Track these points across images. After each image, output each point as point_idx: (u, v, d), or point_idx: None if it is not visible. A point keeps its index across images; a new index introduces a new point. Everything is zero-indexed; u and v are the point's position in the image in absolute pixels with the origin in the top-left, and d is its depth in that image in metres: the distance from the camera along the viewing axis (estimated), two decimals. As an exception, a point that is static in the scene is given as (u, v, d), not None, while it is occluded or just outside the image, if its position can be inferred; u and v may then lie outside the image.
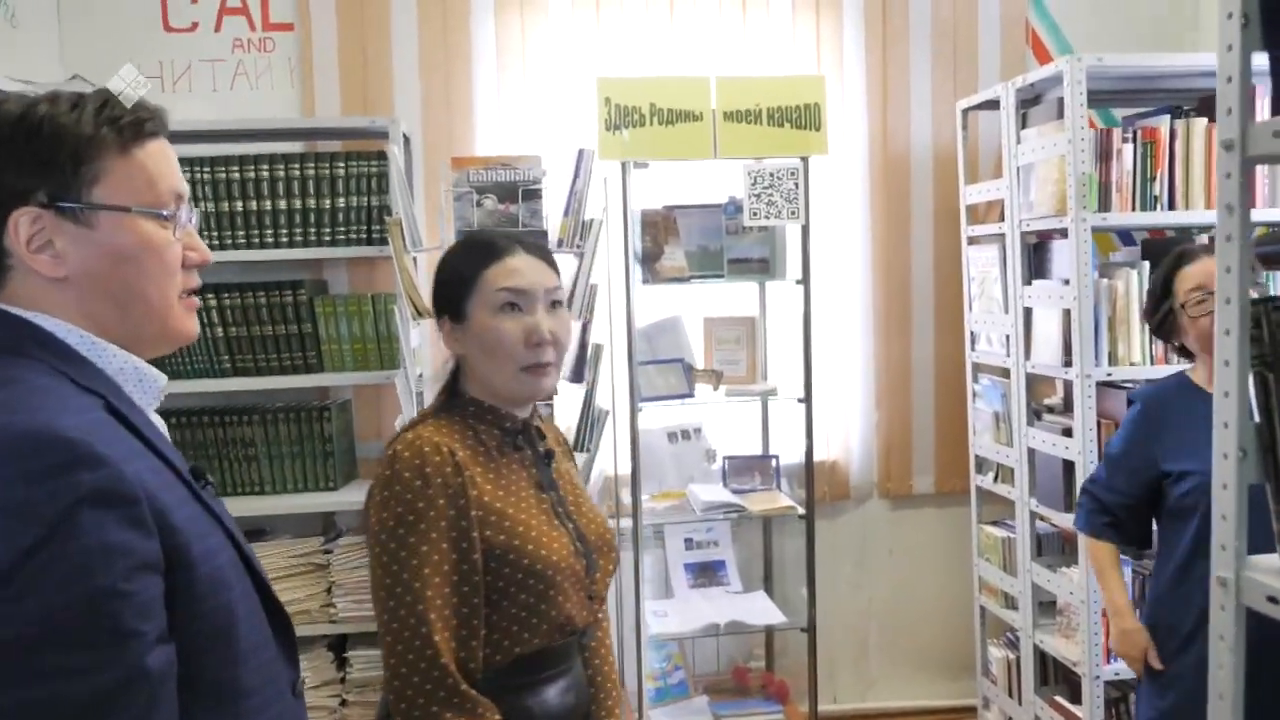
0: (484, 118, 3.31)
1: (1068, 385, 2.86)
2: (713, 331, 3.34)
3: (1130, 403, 2.24)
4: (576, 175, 2.80)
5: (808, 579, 3.11)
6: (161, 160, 1.02)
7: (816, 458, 3.50)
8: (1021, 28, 3.58)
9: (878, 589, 3.67)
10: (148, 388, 1.02)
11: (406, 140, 3.14)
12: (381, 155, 2.98)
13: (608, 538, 1.55)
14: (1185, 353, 2.17)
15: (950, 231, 3.52)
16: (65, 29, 3.20)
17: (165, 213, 1.01)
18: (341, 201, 3.02)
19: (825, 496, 3.49)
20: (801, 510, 3.09)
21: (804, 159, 2.92)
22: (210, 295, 2.94)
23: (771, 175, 2.89)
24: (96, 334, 0.99)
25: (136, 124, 0.99)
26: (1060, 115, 2.58)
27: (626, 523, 3.28)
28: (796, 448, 3.45)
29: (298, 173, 3.00)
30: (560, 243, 2.78)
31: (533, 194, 2.68)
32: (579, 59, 3.24)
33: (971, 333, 3.16)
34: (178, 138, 1.08)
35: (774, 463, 3.32)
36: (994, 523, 3.20)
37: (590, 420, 2.85)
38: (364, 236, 3.01)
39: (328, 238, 3.02)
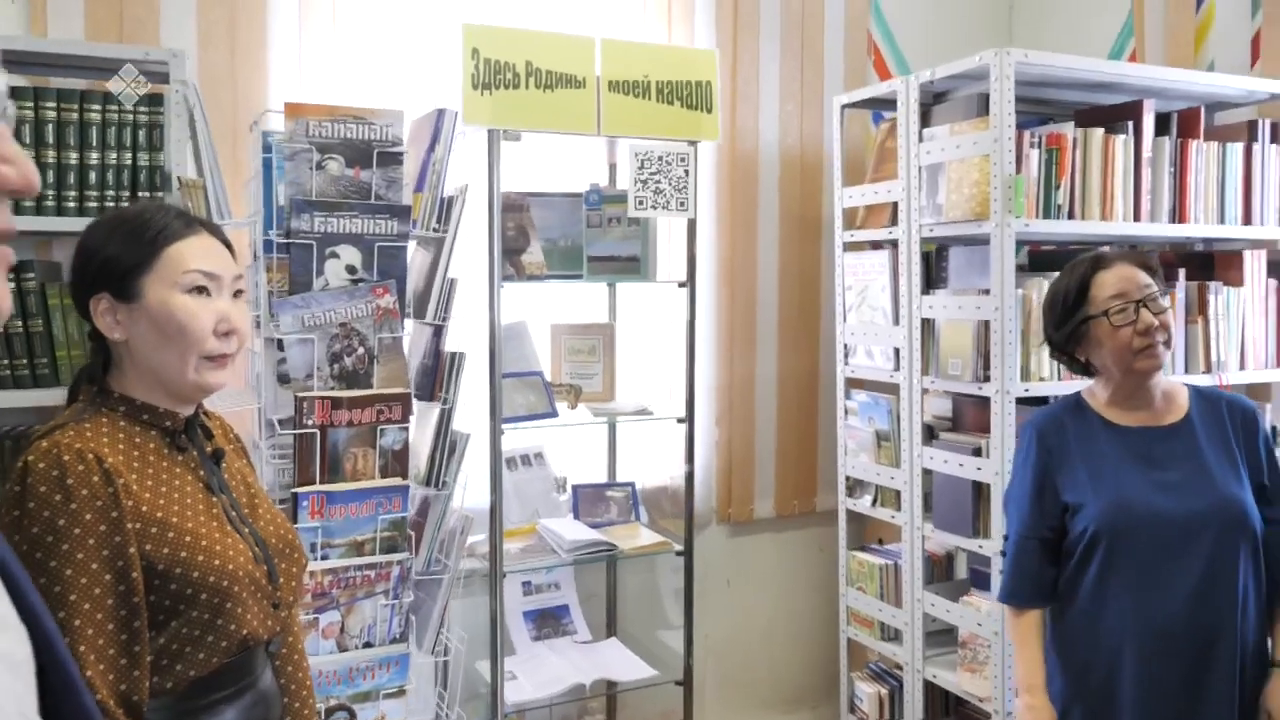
0: (280, 60, 2.64)
1: (957, 402, 2.71)
2: (562, 340, 2.88)
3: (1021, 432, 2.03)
4: (435, 141, 2.25)
5: (685, 624, 2.73)
6: None
7: (655, 483, 3.16)
8: (864, 37, 3.47)
9: (715, 625, 3.37)
10: None
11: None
12: (152, 100, 2.25)
13: (290, 538, 1.44)
14: (1084, 369, 2.01)
15: (800, 237, 3.33)
16: None
17: None
18: (92, 157, 2.24)
19: (657, 525, 3.13)
20: (678, 546, 2.71)
21: (693, 143, 2.56)
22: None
23: (660, 159, 2.49)
24: None
25: None
26: (983, 112, 2.41)
27: (466, 563, 2.74)
28: (644, 472, 3.09)
29: (30, 114, 2.19)
30: (415, 223, 2.22)
31: (390, 158, 2.10)
32: None
33: (846, 345, 2.94)
34: None
35: (630, 492, 2.91)
36: (862, 548, 3.00)
37: (447, 447, 2.29)
38: (124, 205, 2.24)
39: (70, 204, 2.22)
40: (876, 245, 2.92)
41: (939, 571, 2.87)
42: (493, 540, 2.44)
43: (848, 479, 2.97)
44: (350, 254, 2.06)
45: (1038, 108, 2.84)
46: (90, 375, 1.34)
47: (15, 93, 2.17)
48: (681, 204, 2.53)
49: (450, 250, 2.27)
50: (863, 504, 2.92)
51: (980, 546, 2.47)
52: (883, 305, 2.75)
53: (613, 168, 2.95)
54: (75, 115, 2.22)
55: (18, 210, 2.19)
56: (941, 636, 2.78)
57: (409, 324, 2.36)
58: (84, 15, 2.49)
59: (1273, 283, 2.70)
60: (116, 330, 1.30)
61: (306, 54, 2.64)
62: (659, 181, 2.50)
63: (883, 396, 2.79)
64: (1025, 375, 2.42)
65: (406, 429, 2.13)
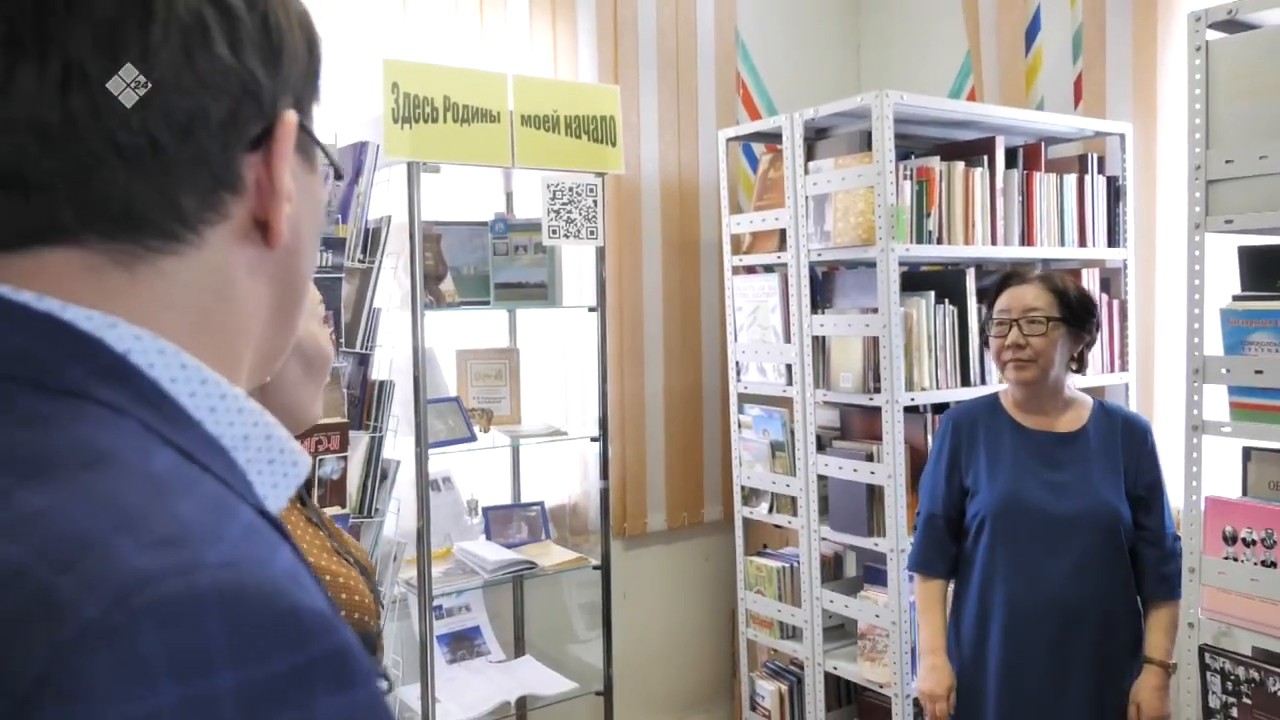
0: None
1: (845, 412, 2.94)
2: (468, 365, 2.93)
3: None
4: (358, 173, 2.28)
5: (604, 636, 2.83)
6: None
7: (558, 501, 3.25)
8: (733, 75, 3.70)
9: (614, 636, 3.47)
10: (279, 474, 0.53)
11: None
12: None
13: (370, 564, 1.39)
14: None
15: (681, 262, 3.50)
16: None
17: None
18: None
19: (566, 541, 3.22)
20: (594, 561, 2.81)
21: (600, 175, 2.68)
22: None
23: (571, 190, 2.60)
24: (244, 351, 0.54)
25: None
26: (865, 147, 2.65)
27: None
28: (547, 491, 3.17)
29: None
30: (341, 255, 2.24)
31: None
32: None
33: (738, 363, 3.13)
34: None
35: (540, 511, 2.99)
36: (758, 553, 3.18)
37: (378, 474, 2.31)
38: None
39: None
40: (750, 269, 3.14)
41: (829, 570, 3.09)
42: (420, 565, 2.46)
43: (744, 488, 3.15)
44: (285, 286, 2.06)
45: (900, 142, 3.12)
46: None
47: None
48: (591, 232, 2.65)
49: (376, 280, 2.30)
50: (759, 512, 3.11)
51: (876, 544, 2.69)
52: (774, 325, 2.95)
53: (509, 196, 3.03)
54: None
55: None
56: (836, 631, 3.00)
57: (329, 354, 2.37)
58: None
59: (1104, 297, 3.07)
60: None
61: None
62: (570, 211, 2.61)
63: (775, 410, 2.99)
64: (910, 385, 2.67)
65: (345, 458, 2.15)
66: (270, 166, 0.51)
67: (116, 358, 0.46)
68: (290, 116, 0.52)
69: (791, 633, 3.05)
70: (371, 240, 2.30)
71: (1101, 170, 3.10)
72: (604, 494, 2.84)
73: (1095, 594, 2.08)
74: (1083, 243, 3.05)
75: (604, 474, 2.82)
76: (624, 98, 3.37)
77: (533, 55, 3.16)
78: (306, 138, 0.56)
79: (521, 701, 2.73)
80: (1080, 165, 3.07)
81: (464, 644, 2.93)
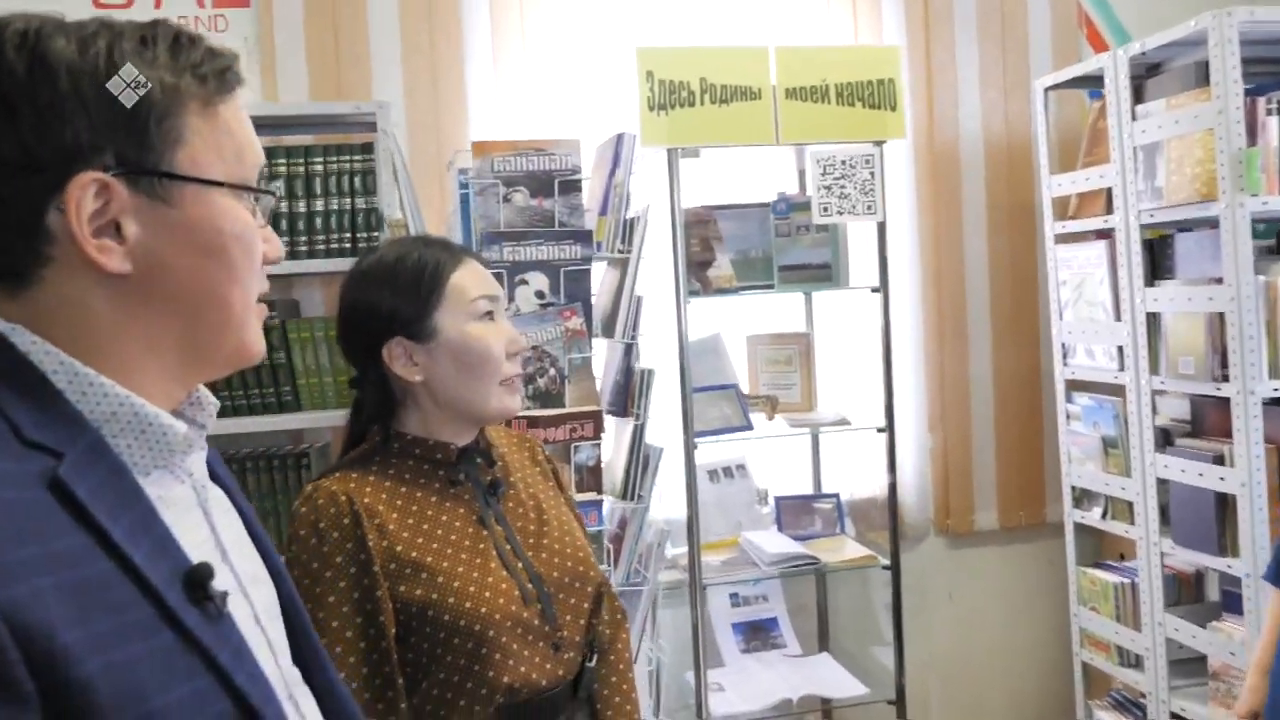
0: (478, 101, 2.79)
1: (1196, 404, 2.45)
2: (758, 351, 2.86)
3: None
4: (615, 164, 2.30)
5: (895, 641, 2.63)
6: (245, 121, 0.79)
7: (866, 493, 3.06)
8: (1073, 9, 3.22)
9: (938, 640, 3.21)
10: (153, 442, 0.71)
11: (392, 131, 2.61)
12: (365, 149, 2.44)
13: (578, 569, 1.33)
14: None
15: (1010, 229, 3.13)
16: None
17: (264, 187, 0.80)
18: (319, 204, 2.45)
19: (865, 538, 3.01)
20: (885, 560, 2.61)
21: (879, 144, 2.47)
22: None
23: (844, 163, 2.43)
24: (139, 354, 0.71)
25: (220, 73, 0.74)
26: (1204, 82, 2.17)
27: (670, 575, 2.78)
28: (849, 483, 3.00)
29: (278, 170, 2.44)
30: (599, 245, 2.28)
31: (571, 186, 2.17)
32: (589, 26, 2.74)
33: (1064, 345, 2.74)
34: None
35: (835, 503, 2.84)
36: (1096, 564, 2.77)
37: (641, 461, 2.33)
38: (346, 246, 2.44)
39: (302, 248, 2.45)
40: (1101, 235, 2.70)
41: (1187, 592, 2.60)
42: (691, 553, 2.45)
43: (1074, 489, 2.75)
44: (539, 280, 2.15)
45: (1274, 68, 2.52)
46: (379, 419, 1.32)
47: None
48: (869, 207, 2.46)
49: (635, 269, 2.31)
50: (1092, 516, 2.69)
51: (1229, 566, 2.21)
52: (1102, 300, 2.53)
53: (802, 174, 2.89)
54: (302, 169, 2.45)
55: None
56: (1190, 665, 2.52)
57: (602, 342, 2.43)
58: (307, 78, 2.74)
59: None
60: (416, 372, 1.29)
61: (500, 92, 2.78)
62: (844, 186, 2.44)
63: (1107, 399, 2.57)
64: (1275, 373, 2.15)
65: (599, 445, 2.19)
66: (67, 220, 0.65)
67: (18, 355, 0.66)
68: (80, 179, 0.65)
69: (1134, 661, 2.61)
70: (630, 230, 2.31)
71: None
72: (891, 489, 2.62)
73: None
74: None
75: (891, 468, 2.61)
76: (936, 54, 3.09)
77: (830, 22, 2.98)
78: (149, 180, 0.68)
79: (807, 700, 2.61)
80: None
81: (759, 635, 2.87)
